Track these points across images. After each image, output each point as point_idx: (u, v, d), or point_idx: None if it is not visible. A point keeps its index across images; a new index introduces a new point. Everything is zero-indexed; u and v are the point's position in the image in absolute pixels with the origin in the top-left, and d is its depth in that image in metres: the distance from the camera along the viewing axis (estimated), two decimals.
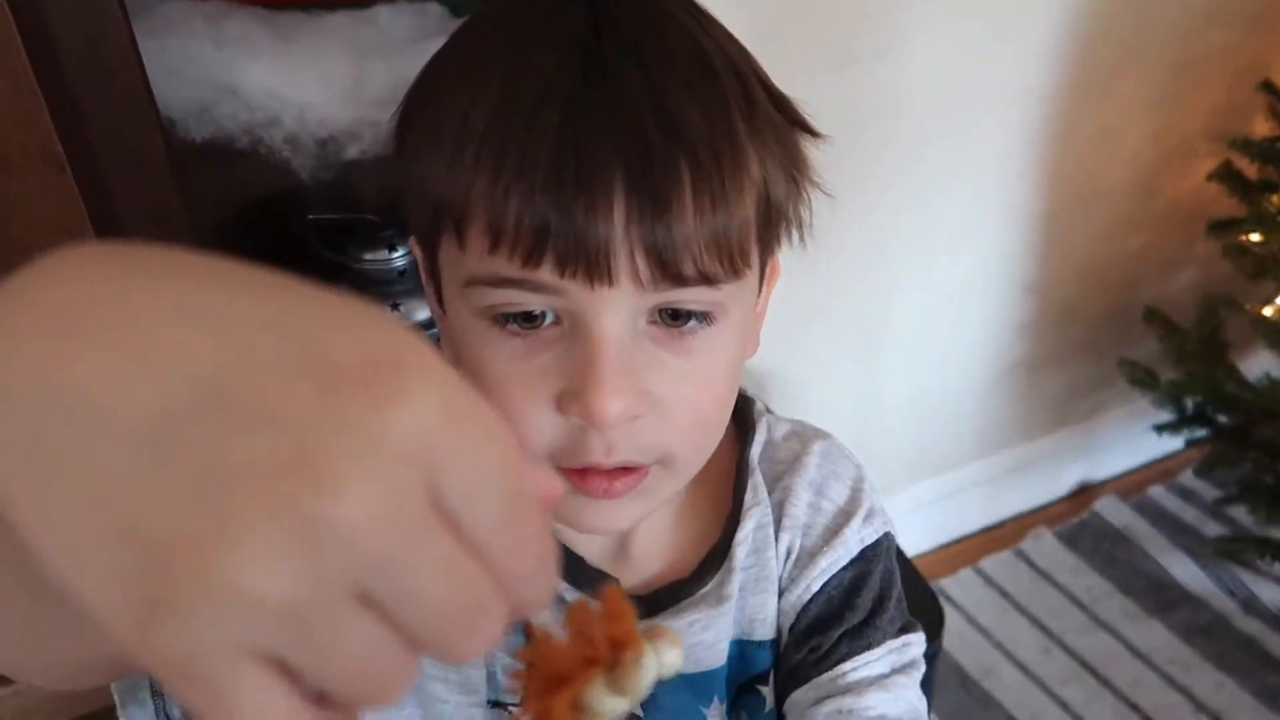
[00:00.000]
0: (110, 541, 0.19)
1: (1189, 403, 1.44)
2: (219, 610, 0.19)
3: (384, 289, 0.83)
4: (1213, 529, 1.67)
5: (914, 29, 1.13)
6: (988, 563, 1.66)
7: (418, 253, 0.50)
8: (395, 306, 0.83)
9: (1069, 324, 1.56)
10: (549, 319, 0.42)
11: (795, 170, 0.47)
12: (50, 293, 0.21)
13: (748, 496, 0.55)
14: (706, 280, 0.42)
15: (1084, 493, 1.80)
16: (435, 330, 0.85)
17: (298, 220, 0.84)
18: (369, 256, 0.82)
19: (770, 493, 0.55)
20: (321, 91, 0.62)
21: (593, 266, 0.40)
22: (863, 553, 0.54)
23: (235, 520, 0.19)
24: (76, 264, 0.22)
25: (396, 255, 0.82)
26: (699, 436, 0.47)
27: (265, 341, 0.20)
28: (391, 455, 0.19)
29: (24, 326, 0.20)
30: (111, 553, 0.19)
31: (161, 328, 0.20)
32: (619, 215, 0.40)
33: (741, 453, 0.56)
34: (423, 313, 0.83)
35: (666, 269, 0.41)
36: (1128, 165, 1.45)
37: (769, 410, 0.61)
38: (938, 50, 1.16)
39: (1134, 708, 1.44)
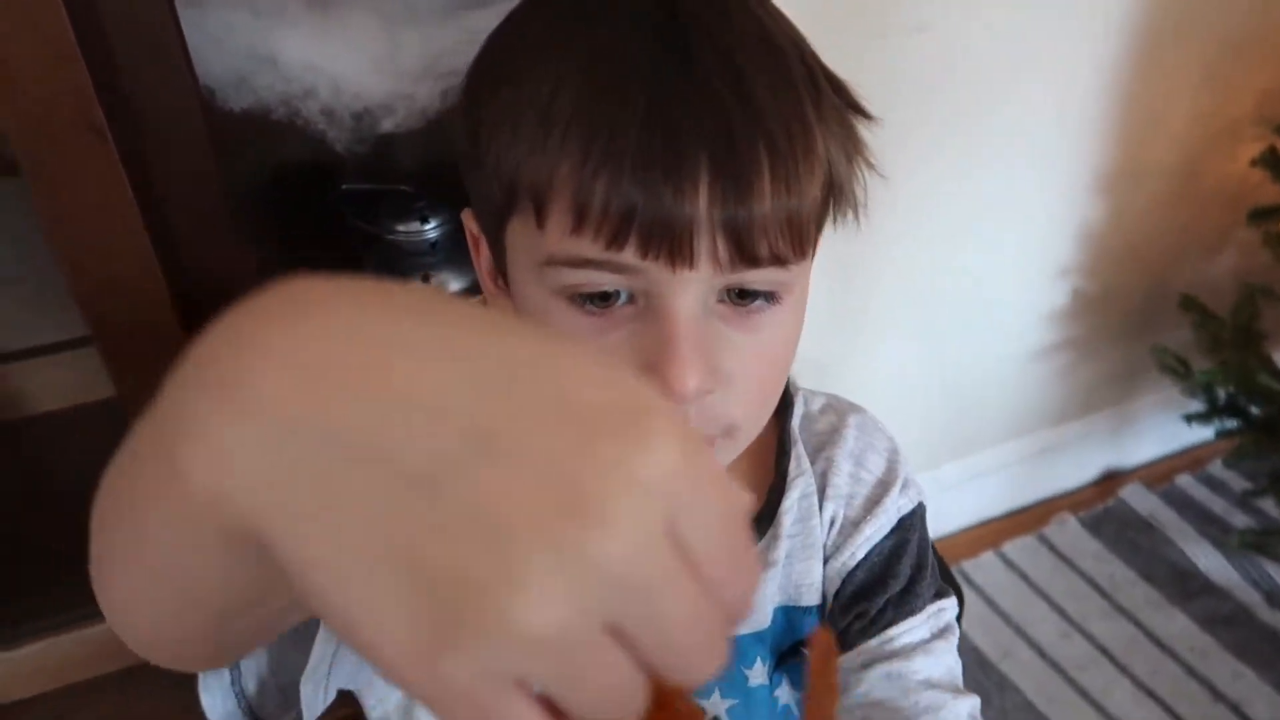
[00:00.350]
0: (391, 577, 0.20)
1: (1221, 393, 1.42)
2: (503, 644, 0.20)
3: (416, 260, 0.84)
4: (1240, 520, 1.66)
5: (954, 1, 1.11)
6: (1010, 546, 1.65)
7: (473, 226, 0.51)
8: (426, 278, 0.83)
9: (1103, 309, 1.54)
10: (623, 298, 0.43)
11: (854, 151, 0.48)
12: (295, 333, 0.22)
13: (791, 466, 0.57)
14: (778, 261, 0.43)
15: (1111, 479, 1.78)
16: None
17: (331, 190, 0.85)
18: (401, 228, 0.83)
19: (812, 463, 0.58)
20: (356, 63, 0.62)
21: (675, 249, 0.41)
22: (901, 521, 0.57)
23: (517, 560, 0.20)
24: (309, 301, 0.22)
25: (429, 227, 0.83)
26: (761, 408, 0.49)
27: (520, 386, 0.21)
28: (646, 495, 0.21)
29: (284, 367, 0.21)
30: (393, 588, 0.20)
31: (423, 373, 0.21)
32: (703, 198, 0.40)
33: (782, 425, 0.58)
34: (455, 284, 0.84)
35: (744, 250, 0.42)
36: (1172, 146, 1.42)
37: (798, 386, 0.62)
38: (977, 23, 1.14)
39: (1151, 695, 1.44)
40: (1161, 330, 1.57)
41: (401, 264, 0.84)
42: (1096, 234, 1.45)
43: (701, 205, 0.40)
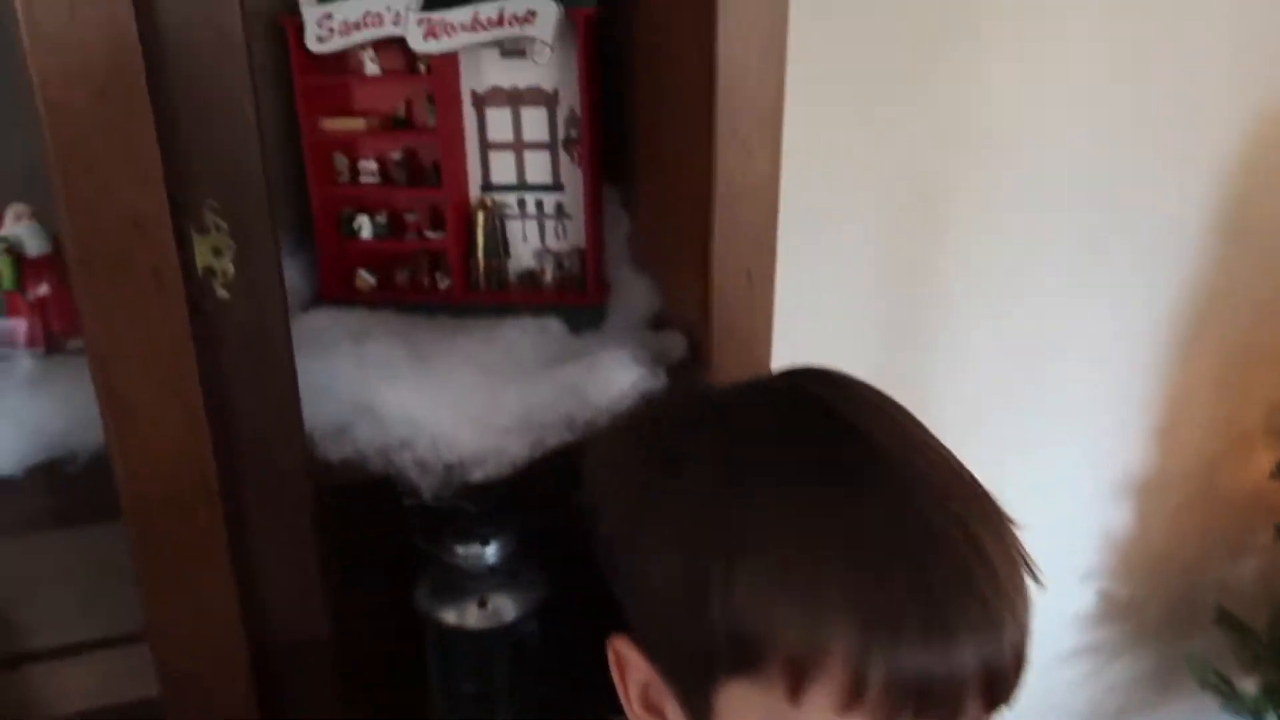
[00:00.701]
0: None
1: (1271, 717, 1.38)
2: None
3: (474, 582, 0.83)
4: None
5: (974, 306, 1.19)
6: None
7: (628, 653, 0.50)
8: (484, 604, 0.83)
9: (1131, 612, 1.53)
10: None
11: (1024, 561, 0.48)
12: None
13: None
14: (1010, 699, 0.44)
15: None
16: (529, 627, 0.84)
17: (393, 505, 0.85)
18: (462, 550, 0.83)
19: None
20: (454, 417, 0.65)
21: (945, 717, 0.42)
22: None
23: None
24: None
25: (490, 549, 0.83)
26: None
27: None
28: None
29: None
30: None
31: None
32: (969, 665, 0.42)
33: None
34: (512, 611, 0.83)
35: (992, 700, 0.43)
36: (1188, 455, 1.45)
37: None
38: (996, 333, 1.21)
39: None
40: (1193, 633, 1.54)
41: (461, 585, 0.84)
42: (1120, 539, 1.46)
43: (969, 672, 0.42)
